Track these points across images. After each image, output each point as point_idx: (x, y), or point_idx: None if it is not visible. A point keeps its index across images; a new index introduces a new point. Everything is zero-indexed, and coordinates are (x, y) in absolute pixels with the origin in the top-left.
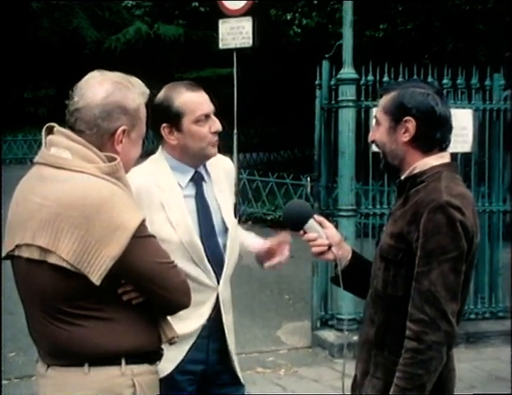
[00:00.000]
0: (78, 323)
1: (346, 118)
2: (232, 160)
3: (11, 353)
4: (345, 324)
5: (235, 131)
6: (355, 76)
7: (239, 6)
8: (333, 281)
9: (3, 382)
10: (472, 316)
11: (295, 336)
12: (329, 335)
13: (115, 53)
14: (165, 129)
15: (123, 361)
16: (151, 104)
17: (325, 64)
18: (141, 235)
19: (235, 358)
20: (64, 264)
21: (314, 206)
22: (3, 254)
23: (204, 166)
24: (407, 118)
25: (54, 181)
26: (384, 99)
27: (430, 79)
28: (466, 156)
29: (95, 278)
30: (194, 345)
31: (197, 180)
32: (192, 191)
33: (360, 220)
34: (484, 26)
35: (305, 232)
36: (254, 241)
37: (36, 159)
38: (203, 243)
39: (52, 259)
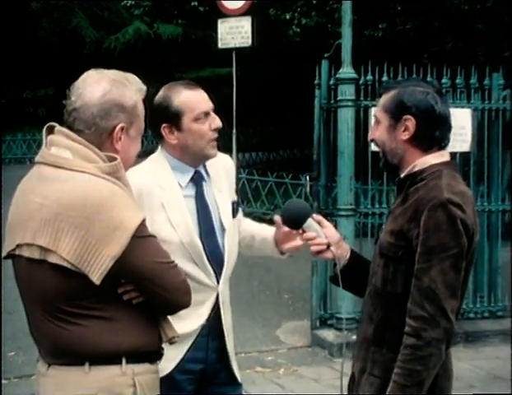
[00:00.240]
0: (79, 323)
1: (346, 118)
2: (231, 159)
3: (10, 352)
4: (344, 323)
5: (234, 130)
6: (354, 75)
7: (238, 6)
8: (332, 281)
9: (3, 381)
10: (471, 315)
11: (294, 335)
12: (329, 334)
13: (115, 53)
14: (165, 129)
15: (124, 360)
16: (150, 105)
17: (324, 64)
18: (142, 235)
19: (233, 357)
20: (65, 264)
21: (314, 206)
22: (4, 254)
23: (204, 166)
24: (406, 116)
25: (55, 181)
26: (384, 98)
27: (429, 78)
28: (465, 156)
29: (96, 278)
30: (194, 344)
31: (198, 180)
32: (192, 191)
33: (360, 220)
34: (483, 26)
35: (304, 231)
36: (270, 229)
37: (37, 158)
38: (203, 243)
39: (52, 259)
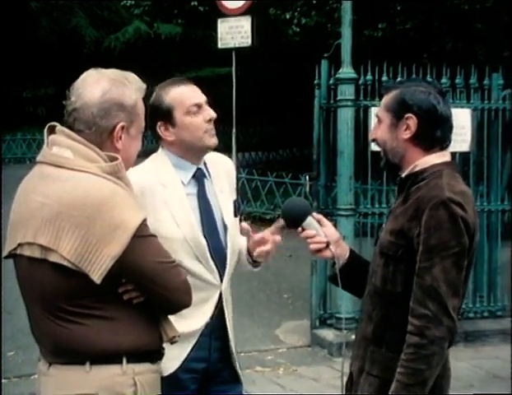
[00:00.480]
0: (79, 322)
1: (345, 118)
2: (231, 159)
3: (10, 352)
4: (343, 323)
5: (234, 130)
6: (354, 75)
7: (238, 6)
8: (331, 280)
9: (2, 380)
10: (471, 315)
11: (294, 335)
12: (328, 334)
13: (114, 53)
14: (160, 127)
15: (125, 360)
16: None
17: (324, 63)
18: (142, 235)
19: (235, 355)
20: (65, 263)
21: (313, 206)
22: (5, 253)
23: (205, 165)
24: (408, 115)
25: (56, 180)
26: (386, 98)
27: (428, 78)
28: (464, 156)
29: (96, 277)
30: (197, 343)
31: (199, 177)
32: (194, 189)
33: (359, 220)
34: (483, 26)
35: (304, 229)
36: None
37: (38, 158)
38: (207, 241)
39: (53, 258)
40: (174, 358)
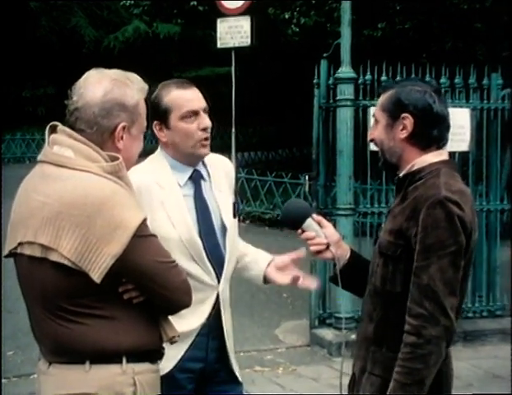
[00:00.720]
0: (79, 321)
1: (345, 117)
2: (230, 159)
3: (9, 352)
4: (343, 323)
5: (234, 130)
6: (353, 75)
7: (237, 6)
8: (332, 281)
9: (2, 380)
10: (470, 314)
11: (293, 334)
12: (327, 333)
13: (114, 52)
14: (156, 126)
15: (124, 359)
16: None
17: (323, 63)
18: (142, 234)
19: (233, 356)
20: (65, 262)
21: (312, 205)
22: (6, 252)
23: (204, 165)
24: (404, 114)
25: (57, 179)
26: (382, 98)
27: (428, 78)
28: (464, 155)
29: (96, 276)
30: (194, 343)
31: (196, 179)
32: (190, 190)
33: (359, 219)
34: (482, 26)
35: (304, 231)
36: (265, 255)
37: (39, 157)
38: (203, 242)
39: (53, 257)
40: (170, 358)
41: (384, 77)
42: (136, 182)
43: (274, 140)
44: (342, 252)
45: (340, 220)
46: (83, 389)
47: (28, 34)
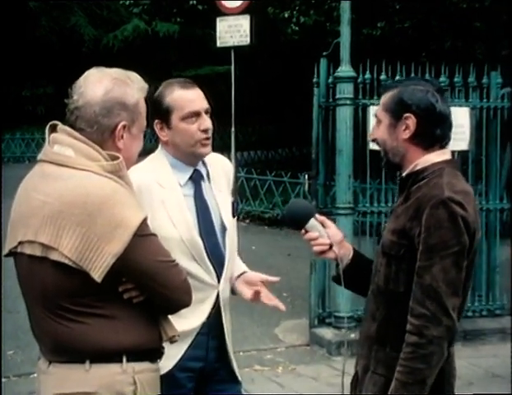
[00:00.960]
0: (80, 320)
1: (344, 116)
2: (230, 158)
3: (9, 351)
4: (345, 322)
5: (233, 129)
6: (352, 74)
7: (236, 5)
8: (335, 280)
9: (2, 379)
10: (470, 314)
11: (293, 334)
12: (327, 333)
13: (113, 51)
14: (157, 125)
15: (124, 359)
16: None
17: (323, 62)
18: (143, 234)
19: (232, 355)
20: (66, 261)
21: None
22: (6, 251)
23: (204, 165)
24: (407, 114)
25: (57, 178)
26: (384, 98)
27: (427, 77)
28: (463, 154)
29: (97, 275)
30: (194, 342)
31: (196, 179)
32: (191, 190)
33: (358, 219)
34: (482, 24)
35: (307, 231)
36: (242, 268)
37: (39, 156)
38: (203, 241)
39: (54, 256)
40: (170, 357)
41: (383, 76)
42: (136, 181)
43: (274, 139)
44: (345, 251)
45: (339, 220)
46: (83, 388)
47: (28, 33)
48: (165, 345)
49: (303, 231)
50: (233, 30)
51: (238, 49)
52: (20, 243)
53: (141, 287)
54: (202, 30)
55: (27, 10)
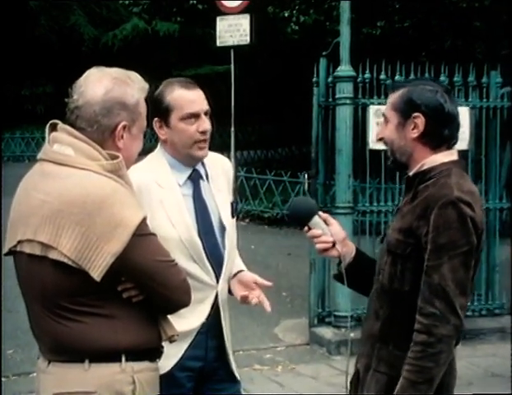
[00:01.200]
0: (79, 319)
1: (344, 116)
2: (229, 157)
3: (9, 350)
4: (348, 321)
5: (233, 128)
6: (352, 73)
7: (236, 4)
8: (337, 278)
9: (2, 379)
10: (469, 313)
11: (292, 333)
12: (327, 332)
13: (113, 50)
14: (156, 123)
15: (123, 358)
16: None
17: (322, 62)
18: (142, 233)
19: (231, 355)
20: (65, 260)
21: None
22: (6, 250)
23: (203, 165)
24: (415, 114)
25: (57, 177)
26: (393, 97)
27: (427, 76)
28: (463, 154)
29: (96, 274)
30: (193, 342)
31: (195, 179)
32: (189, 190)
33: (358, 218)
34: (481, 24)
35: (310, 228)
36: (239, 266)
37: (39, 155)
38: (202, 242)
39: (53, 255)
40: (170, 356)
41: (383, 76)
42: (135, 181)
43: (273, 138)
44: (348, 250)
45: (339, 219)
46: (82, 388)
47: (27, 32)
48: (165, 344)
49: (306, 229)
50: (233, 30)
51: (238, 49)
52: (19, 242)
53: (140, 287)
54: (201, 29)
55: (27, 9)
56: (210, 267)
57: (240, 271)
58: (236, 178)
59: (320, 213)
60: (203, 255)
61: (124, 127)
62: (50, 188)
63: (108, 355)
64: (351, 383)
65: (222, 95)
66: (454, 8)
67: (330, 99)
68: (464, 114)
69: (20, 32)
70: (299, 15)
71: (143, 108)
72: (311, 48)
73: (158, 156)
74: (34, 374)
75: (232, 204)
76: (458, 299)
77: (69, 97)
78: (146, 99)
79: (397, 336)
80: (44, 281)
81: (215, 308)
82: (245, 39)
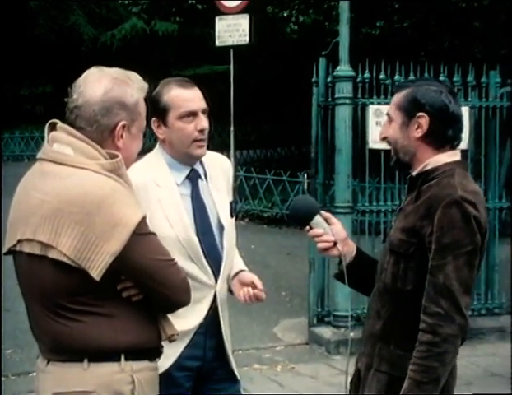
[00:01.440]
0: (78, 319)
1: (343, 116)
2: (229, 157)
3: (8, 350)
4: (347, 321)
5: (232, 128)
6: (351, 73)
7: (235, 4)
8: (337, 278)
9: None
10: (468, 312)
11: (291, 332)
12: (326, 331)
13: (112, 50)
14: (154, 123)
15: (123, 357)
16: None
17: (322, 61)
18: (142, 232)
19: (230, 354)
20: (65, 259)
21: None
22: (5, 249)
23: (202, 164)
24: (420, 113)
25: (56, 177)
26: (397, 97)
27: (426, 76)
28: (462, 153)
29: (96, 274)
30: (191, 342)
31: (193, 178)
32: (188, 189)
33: (357, 217)
34: (480, 24)
35: (312, 227)
36: (239, 266)
37: (39, 155)
38: (200, 241)
39: (52, 254)
40: (167, 356)
41: (382, 75)
42: (133, 180)
43: (273, 138)
44: (349, 249)
45: (338, 219)
46: (81, 387)
47: (27, 32)
48: (164, 344)
49: (307, 228)
50: (232, 30)
51: (237, 49)
52: (19, 241)
53: (140, 286)
54: (201, 29)
55: (26, 9)
56: (208, 267)
57: (241, 270)
58: (236, 177)
59: (322, 212)
60: (201, 255)
61: (124, 126)
62: (50, 187)
63: (107, 354)
64: (351, 382)
65: (222, 94)
66: (453, 8)
67: (329, 99)
68: (463, 114)
69: (20, 32)
70: (298, 15)
71: (143, 108)
72: (310, 48)
73: (156, 156)
74: (34, 374)
75: (231, 204)
76: (462, 298)
77: (68, 97)
78: (146, 99)
79: (399, 336)
80: (43, 280)
81: (213, 307)
82: (244, 38)
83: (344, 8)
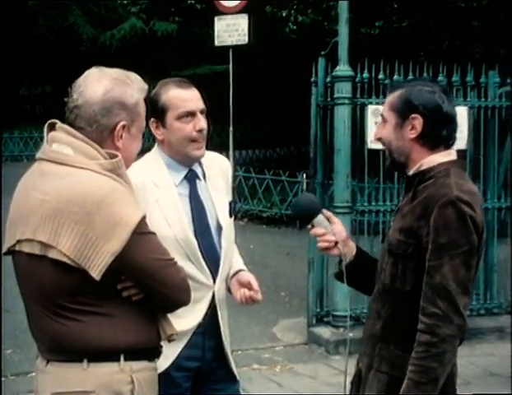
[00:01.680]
0: (78, 319)
1: (342, 116)
2: (228, 157)
3: (8, 350)
4: (346, 321)
5: (231, 128)
6: (350, 73)
7: (234, 4)
8: (337, 277)
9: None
10: (467, 312)
11: (291, 332)
12: (325, 331)
13: (111, 50)
14: (153, 124)
15: (122, 357)
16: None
17: (321, 61)
18: (142, 232)
19: (229, 354)
20: (65, 259)
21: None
22: (4, 249)
23: (200, 165)
24: (413, 115)
25: (56, 177)
26: (391, 97)
27: (425, 76)
28: (461, 153)
29: (96, 273)
30: (190, 342)
31: (191, 179)
32: (186, 190)
33: (356, 217)
34: (479, 24)
35: (313, 226)
36: (239, 266)
37: (38, 155)
38: (198, 242)
39: (52, 254)
40: (166, 356)
41: (381, 75)
42: (132, 180)
43: (272, 138)
44: (349, 249)
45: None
46: (81, 387)
47: (26, 32)
48: (163, 344)
49: (310, 226)
50: (231, 30)
51: (236, 48)
52: (18, 241)
53: (140, 285)
54: (200, 29)
55: (25, 9)
56: (206, 267)
57: (239, 270)
58: (234, 177)
59: (324, 211)
60: (199, 255)
61: (123, 126)
62: (49, 187)
63: (107, 354)
64: (352, 382)
65: (221, 94)
66: (453, 8)
67: (328, 99)
68: (462, 114)
69: (19, 32)
70: (297, 14)
71: (142, 108)
72: (309, 48)
73: (155, 156)
74: (33, 374)
75: (230, 204)
76: (460, 298)
77: (68, 97)
78: (145, 100)
79: (399, 336)
80: (43, 280)
81: (212, 308)
82: (243, 38)
83: (343, 8)
